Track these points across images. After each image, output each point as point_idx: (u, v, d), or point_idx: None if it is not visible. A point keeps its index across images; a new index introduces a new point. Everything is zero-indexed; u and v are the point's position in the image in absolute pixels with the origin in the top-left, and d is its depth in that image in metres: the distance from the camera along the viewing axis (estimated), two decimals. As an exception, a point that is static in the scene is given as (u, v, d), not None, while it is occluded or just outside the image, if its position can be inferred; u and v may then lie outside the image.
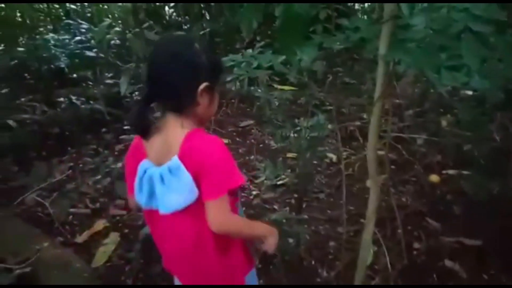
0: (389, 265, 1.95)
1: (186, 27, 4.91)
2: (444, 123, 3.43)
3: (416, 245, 2.34)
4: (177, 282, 1.30)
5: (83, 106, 3.79)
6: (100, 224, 2.53)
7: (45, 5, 5.00)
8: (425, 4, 0.99)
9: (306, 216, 2.56)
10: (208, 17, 4.97)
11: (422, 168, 2.97)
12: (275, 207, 2.76)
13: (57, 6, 5.09)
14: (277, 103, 3.03)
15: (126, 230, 2.51)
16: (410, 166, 3.08)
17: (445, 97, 3.46)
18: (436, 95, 3.55)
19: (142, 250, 2.23)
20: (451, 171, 3.02)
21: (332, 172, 3.19)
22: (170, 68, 1.03)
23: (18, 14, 4.61)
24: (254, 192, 2.93)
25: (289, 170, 2.76)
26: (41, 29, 4.70)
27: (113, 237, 2.38)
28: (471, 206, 2.60)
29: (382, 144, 2.25)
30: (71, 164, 3.37)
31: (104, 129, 3.92)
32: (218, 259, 1.13)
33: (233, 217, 1.09)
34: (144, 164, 1.10)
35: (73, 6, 4.99)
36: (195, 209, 1.04)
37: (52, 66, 3.82)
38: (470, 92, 3.52)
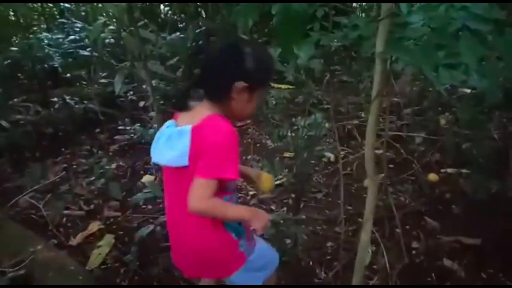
0: (387, 265, 1.93)
1: (182, 25, 4.88)
2: (443, 121, 3.42)
3: (414, 244, 2.32)
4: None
5: (77, 106, 3.76)
6: (94, 226, 2.49)
7: (39, 4, 4.94)
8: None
9: (303, 216, 2.54)
10: (204, 15, 4.93)
11: (421, 167, 2.95)
12: (272, 207, 2.73)
13: (51, 5, 5.04)
14: (274, 102, 3.01)
15: (121, 232, 2.48)
16: (409, 165, 3.05)
17: (444, 95, 3.45)
18: (435, 94, 3.53)
19: (137, 252, 2.20)
20: (450, 170, 3.01)
21: (330, 171, 3.17)
22: (215, 62, 1.20)
23: (12, 13, 4.55)
24: (251, 192, 2.90)
25: (286, 170, 2.74)
26: (35, 28, 4.65)
27: (108, 239, 2.34)
28: (470, 205, 2.58)
29: (380, 143, 2.23)
30: (65, 165, 3.33)
31: (98, 129, 3.89)
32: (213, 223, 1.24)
33: (212, 200, 1.14)
34: (170, 122, 1.28)
35: (67, 5, 4.94)
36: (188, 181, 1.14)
37: (46, 65, 3.78)
38: (468, 91, 3.51)
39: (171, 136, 1.20)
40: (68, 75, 4.11)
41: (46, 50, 3.72)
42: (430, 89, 3.55)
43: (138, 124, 3.56)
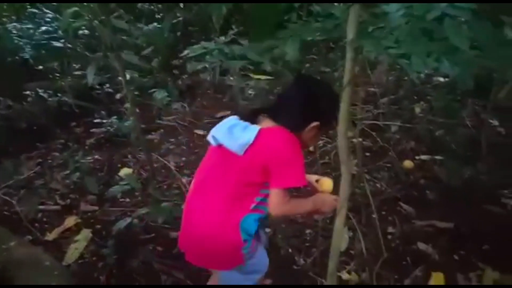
0: (364, 250, 1.97)
1: (159, 16, 4.77)
2: (417, 110, 3.49)
3: (390, 229, 2.38)
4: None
5: (50, 99, 3.64)
6: (71, 221, 2.44)
7: (8, -7, 4.73)
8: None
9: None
10: (181, 6, 4.84)
11: (396, 155, 3.01)
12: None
13: (21, -6, 4.82)
14: (252, 93, 2.99)
15: (98, 226, 2.44)
16: (385, 152, 3.11)
17: (418, 84, 3.52)
18: (410, 83, 3.59)
19: (115, 245, 2.17)
20: (424, 157, 3.08)
21: (309, 161, 3.19)
22: (295, 99, 1.34)
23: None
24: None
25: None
26: (4, 19, 4.46)
27: (85, 234, 2.30)
28: (444, 191, 2.66)
29: (355, 131, 2.26)
30: (40, 160, 3.24)
31: (73, 123, 3.79)
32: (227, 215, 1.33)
33: (289, 204, 1.32)
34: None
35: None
36: (241, 174, 1.29)
37: (17, 57, 3.64)
38: (442, 79, 3.59)
39: (237, 125, 1.32)
40: (41, 67, 3.97)
41: (16, 41, 3.57)
42: (406, 78, 3.61)
43: (115, 117, 3.48)
